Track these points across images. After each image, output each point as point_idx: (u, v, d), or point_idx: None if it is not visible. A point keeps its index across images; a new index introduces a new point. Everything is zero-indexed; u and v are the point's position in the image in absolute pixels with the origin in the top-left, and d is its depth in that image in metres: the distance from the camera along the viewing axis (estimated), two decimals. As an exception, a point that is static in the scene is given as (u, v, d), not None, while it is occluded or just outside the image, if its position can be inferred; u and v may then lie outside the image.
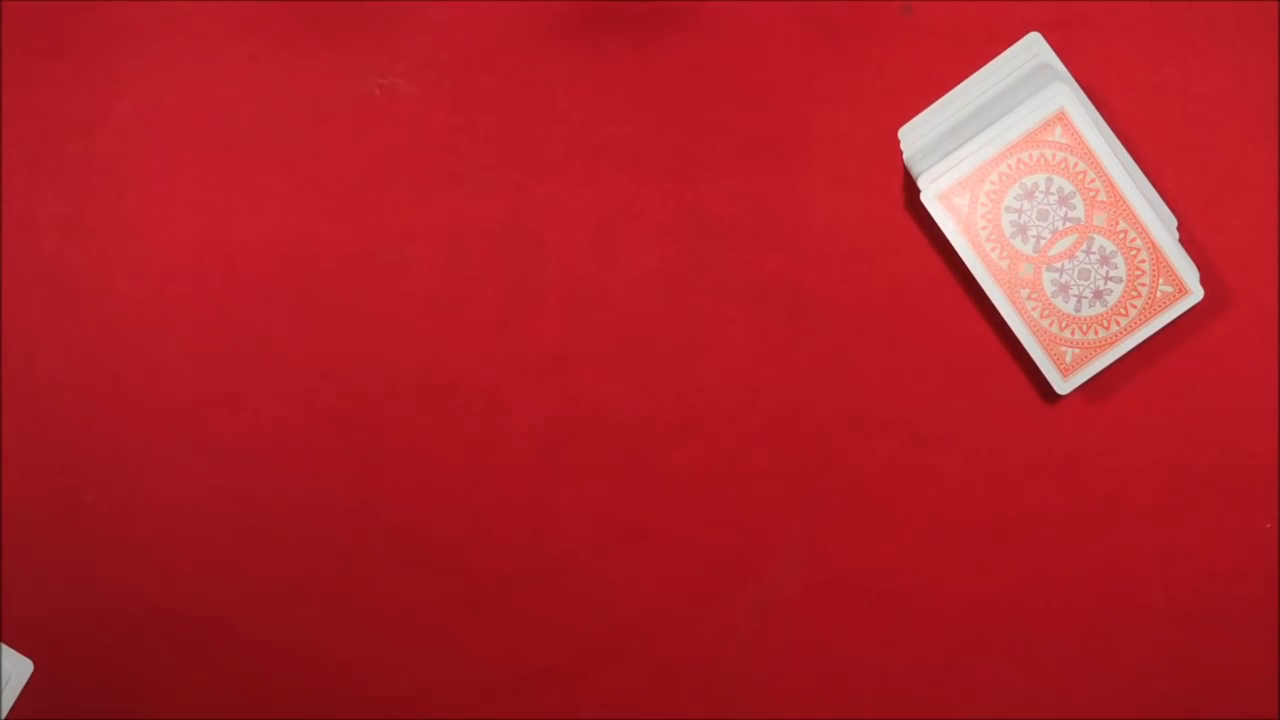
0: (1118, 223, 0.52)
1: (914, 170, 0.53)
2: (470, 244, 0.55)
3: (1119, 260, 0.52)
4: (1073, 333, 0.53)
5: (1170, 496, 0.54)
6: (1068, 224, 0.52)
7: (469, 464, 0.55)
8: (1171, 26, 0.55)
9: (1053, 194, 0.52)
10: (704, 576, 0.55)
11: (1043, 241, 0.52)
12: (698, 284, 0.55)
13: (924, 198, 0.52)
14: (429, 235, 0.55)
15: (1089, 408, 0.54)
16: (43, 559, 0.54)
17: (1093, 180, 0.52)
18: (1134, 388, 0.54)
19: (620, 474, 0.55)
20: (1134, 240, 0.52)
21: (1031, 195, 0.52)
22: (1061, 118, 0.52)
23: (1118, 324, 0.53)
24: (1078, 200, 0.52)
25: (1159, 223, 0.52)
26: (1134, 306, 0.53)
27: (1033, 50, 0.54)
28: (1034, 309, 0.53)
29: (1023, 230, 0.52)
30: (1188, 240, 0.53)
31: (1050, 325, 0.53)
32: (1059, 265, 0.52)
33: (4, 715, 0.53)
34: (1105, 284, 0.53)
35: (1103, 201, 0.52)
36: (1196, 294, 0.53)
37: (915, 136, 0.54)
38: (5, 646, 0.53)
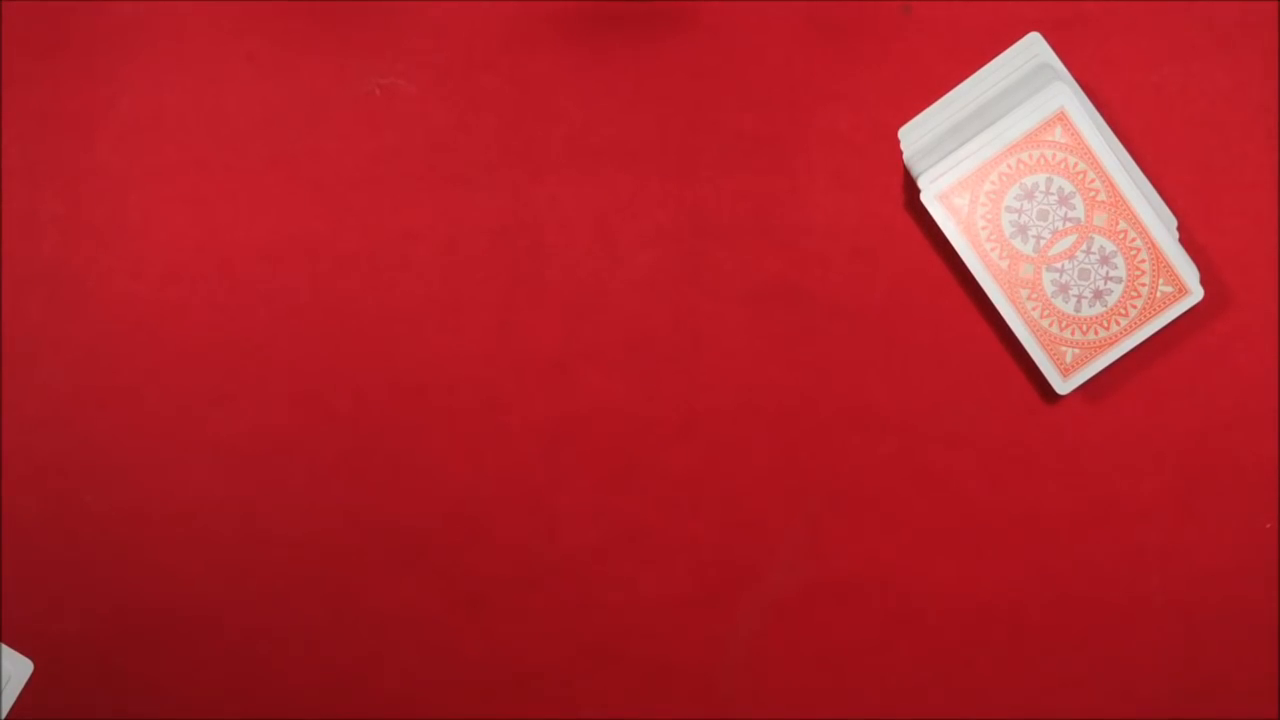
0: (1118, 223, 0.52)
1: (914, 170, 0.53)
2: (470, 244, 0.55)
3: (1119, 260, 0.52)
4: (1073, 333, 0.53)
5: (1170, 496, 0.54)
6: (1068, 224, 0.52)
7: (469, 464, 0.55)
8: (1171, 26, 0.55)
9: (1053, 194, 0.52)
10: (704, 576, 0.55)
11: (1043, 241, 0.52)
12: (698, 284, 0.55)
13: (924, 198, 0.52)
14: (429, 235, 0.55)
15: (1089, 408, 0.54)
16: (43, 559, 0.54)
17: (1093, 180, 0.52)
18: (1134, 388, 0.54)
19: (620, 474, 0.55)
20: (1134, 240, 0.52)
21: (1031, 195, 0.52)
22: (1061, 118, 0.52)
23: (1118, 324, 0.53)
24: (1078, 200, 0.52)
25: (1159, 223, 0.52)
26: (1134, 306, 0.53)
27: (1033, 50, 0.54)
28: (1034, 309, 0.53)
29: (1023, 230, 0.52)
30: (1188, 240, 0.53)
31: (1050, 325, 0.53)
32: (1059, 265, 0.52)
33: (4, 715, 0.53)
34: (1105, 284, 0.53)
35: (1103, 201, 0.52)
36: (1196, 294, 0.52)
37: (915, 136, 0.54)
38: (5, 646, 0.53)
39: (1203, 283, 0.53)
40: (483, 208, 0.55)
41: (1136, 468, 0.54)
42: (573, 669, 0.55)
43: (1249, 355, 0.54)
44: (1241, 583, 0.54)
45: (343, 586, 0.55)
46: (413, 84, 0.55)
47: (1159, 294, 0.53)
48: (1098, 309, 0.53)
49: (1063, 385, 0.53)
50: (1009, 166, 0.52)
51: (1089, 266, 0.52)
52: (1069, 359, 0.53)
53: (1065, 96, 0.52)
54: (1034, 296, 0.53)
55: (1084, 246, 0.52)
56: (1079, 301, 0.53)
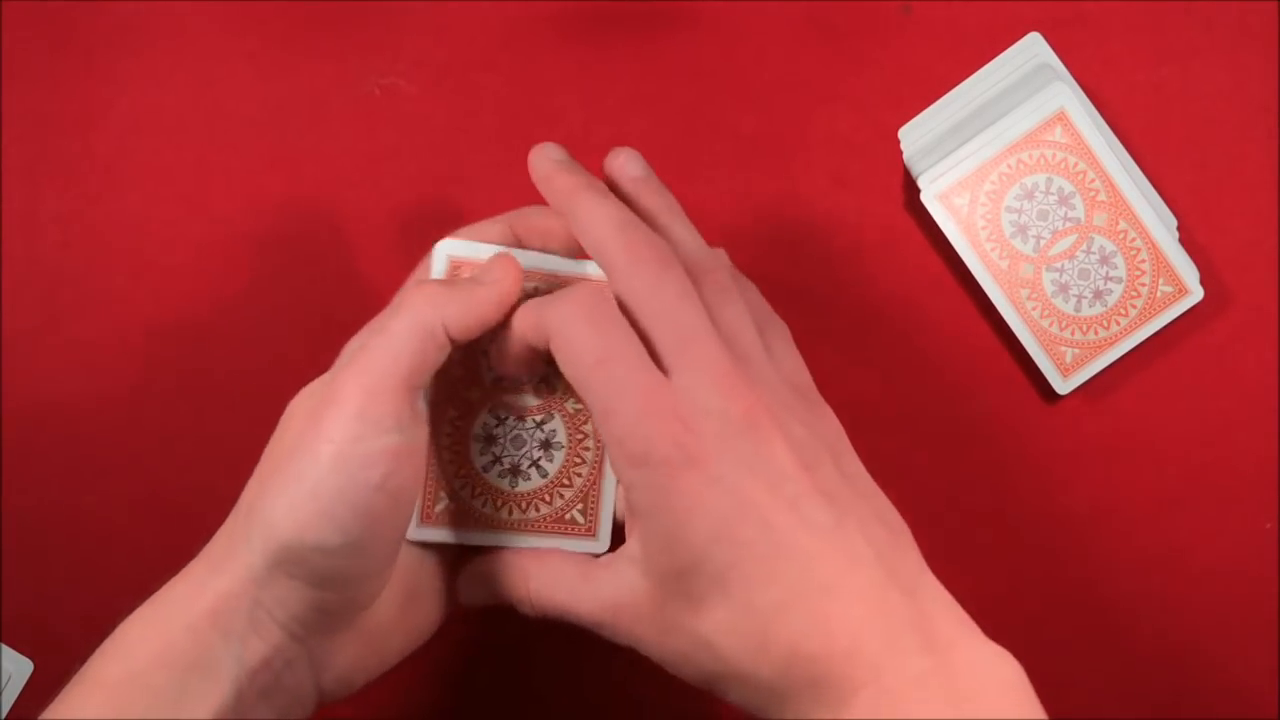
0: (1118, 223, 0.52)
1: (914, 170, 0.53)
2: (470, 244, 0.55)
3: (1119, 260, 0.53)
4: (1073, 333, 0.53)
5: (1170, 496, 0.54)
6: (1068, 224, 0.52)
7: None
8: (1171, 26, 0.55)
9: (1053, 194, 0.52)
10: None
11: (1043, 241, 0.52)
12: (698, 284, 0.55)
13: (924, 198, 0.52)
14: (429, 235, 0.55)
15: (1089, 408, 0.54)
16: (43, 559, 0.54)
17: (1093, 180, 0.52)
18: (1134, 388, 0.54)
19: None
20: (1134, 240, 0.52)
21: (1031, 195, 0.52)
22: (1061, 118, 0.52)
23: (1118, 324, 0.53)
24: (1078, 200, 0.52)
25: (1159, 223, 0.52)
26: (1134, 306, 0.53)
27: (1033, 50, 0.54)
28: (1034, 309, 0.53)
29: (1023, 230, 0.52)
30: (1188, 240, 0.53)
31: (1050, 325, 0.53)
32: (1059, 265, 0.52)
33: (4, 715, 0.53)
34: (1105, 284, 0.53)
35: (1103, 201, 0.52)
36: (1196, 294, 0.53)
37: (915, 136, 0.54)
38: (5, 646, 0.53)
39: (1203, 283, 0.53)
40: (483, 208, 0.55)
41: (1136, 468, 0.54)
42: (572, 669, 0.55)
43: (1249, 355, 0.54)
44: (1241, 583, 0.54)
45: (343, 586, 0.55)
46: (413, 84, 0.55)
47: (1159, 294, 0.53)
48: (1098, 309, 0.53)
49: (1063, 385, 0.53)
50: (1009, 166, 0.52)
51: (1089, 266, 0.52)
52: (1069, 359, 0.53)
53: (1065, 96, 0.52)
54: (1034, 296, 0.53)
55: (1084, 246, 0.52)
56: (1079, 301, 0.53)
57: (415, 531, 0.43)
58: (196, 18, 0.56)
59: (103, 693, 0.38)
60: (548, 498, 0.44)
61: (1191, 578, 0.54)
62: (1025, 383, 0.54)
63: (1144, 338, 0.53)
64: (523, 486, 0.44)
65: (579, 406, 0.44)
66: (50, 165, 0.55)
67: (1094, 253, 0.52)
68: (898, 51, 0.55)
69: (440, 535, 0.44)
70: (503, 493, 0.44)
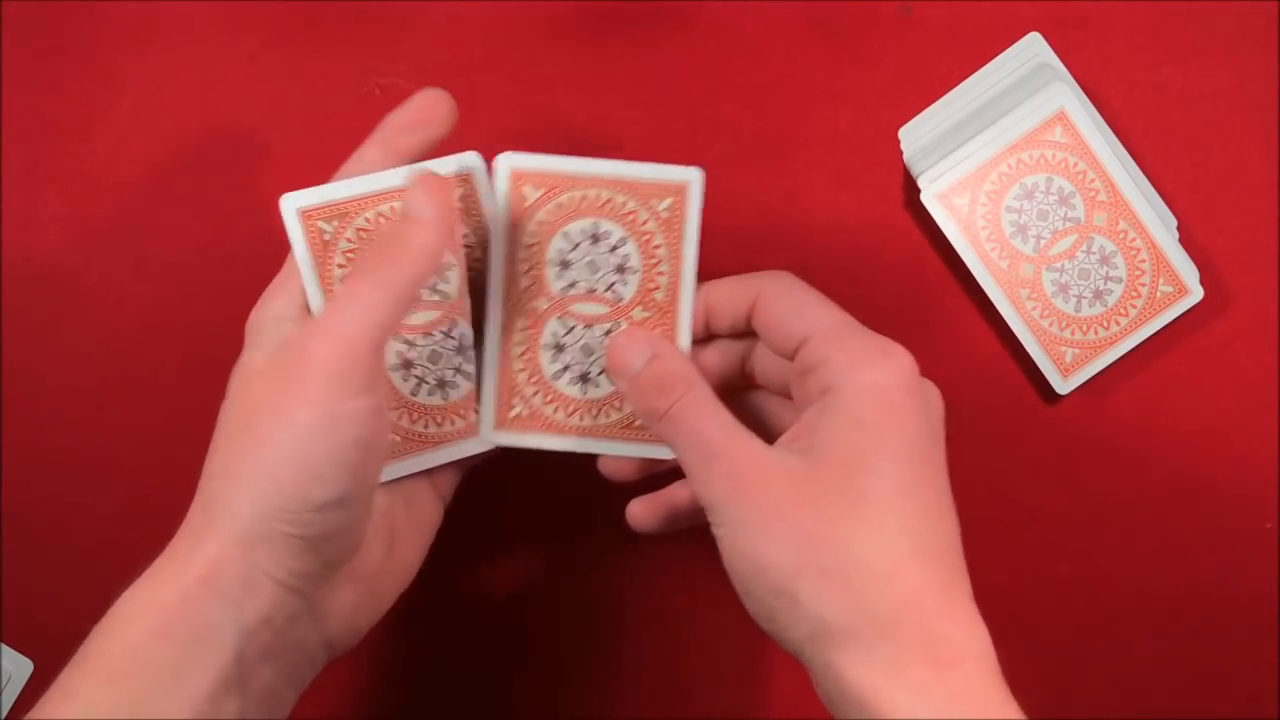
0: (1118, 223, 0.52)
1: (914, 170, 0.53)
2: (470, 244, 0.55)
3: (1119, 260, 0.52)
4: (1073, 333, 0.53)
5: (1170, 496, 0.54)
6: (1068, 224, 0.52)
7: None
8: (1171, 26, 0.55)
9: (1053, 194, 0.52)
10: (704, 576, 0.55)
11: (1043, 241, 0.52)
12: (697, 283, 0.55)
13: (924, 198, 0.52)
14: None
15: (1089, 408, 0.54)
16: (43, 559, 0.54)
17: (1093, 180, 0.52)
18: (1134, 388, 0.54)
19: (620, 474, 0.55)
20: (1134, 240, 0.52)
21: (1031, 195, 0.52)
22: (1061, 118, 0.52)
23: (1118, 324, 0.53)
24: (1078, 200, 0.52)
25: (1159, 223, 0.52)
26: (1134, 306, 0.53)
27: (1033, 50, 0.54)
28: (1034, 309, 0.53)
29: (1023, 230, 0.52)
30: (1188, 240, 0.53)
31: (1050, 325, 0.53)
32: (1059, 265, 0.52)
33: (4, 715, 0.53)
34: (1105, 284, 0.53)
35: (1103, 201, 0.52)
36: (1196, 294, 0.53)
37: (915, 136, 0.54)
38: (5, 646, 0.53)
39: (1203, 283, 0.53)
40: (483, 208, 0.55)
41: (1136, 468, 0.54)
42: (572, 668, 0.55)
43: (1249, 355, 0.54)
44: (1241, 583, 0.54)
45: (343, 586, 0.55)
46: (413, 84, 0.55)
47: (1159, 294, 0.53)
48: (1098, 309, 0.53)
49: (1063, 385, 0.53)
50: (1009, 166, 0.52)
51: (1089, 266, 0.52)
52: (1069, 359, 0.53)
53: (1065, 96, 0.52)
54: (1034, 296, 0.53)
55: (1084, 246, 0.52)
56: (1079, 301, 0.53)
57: (492, 435, 0.45)
58: (197, 18, 0.55)
59: (104, 669, 0.39)
60: (618, 404, 0.46)
61: (1191, 577, 0.54)
62: (1025, 383, 0.54)
63: (1144, 338, 0.53)
64: (593, 394, 0.46)
65: (646, 314, 0.45)
66: (50, 165, 0.55)
67: (1094, 253, 0.52)
68: (898, 51, 0.55)
69: (514, 440, 0.46)
70: (573, 399, 0.45)
